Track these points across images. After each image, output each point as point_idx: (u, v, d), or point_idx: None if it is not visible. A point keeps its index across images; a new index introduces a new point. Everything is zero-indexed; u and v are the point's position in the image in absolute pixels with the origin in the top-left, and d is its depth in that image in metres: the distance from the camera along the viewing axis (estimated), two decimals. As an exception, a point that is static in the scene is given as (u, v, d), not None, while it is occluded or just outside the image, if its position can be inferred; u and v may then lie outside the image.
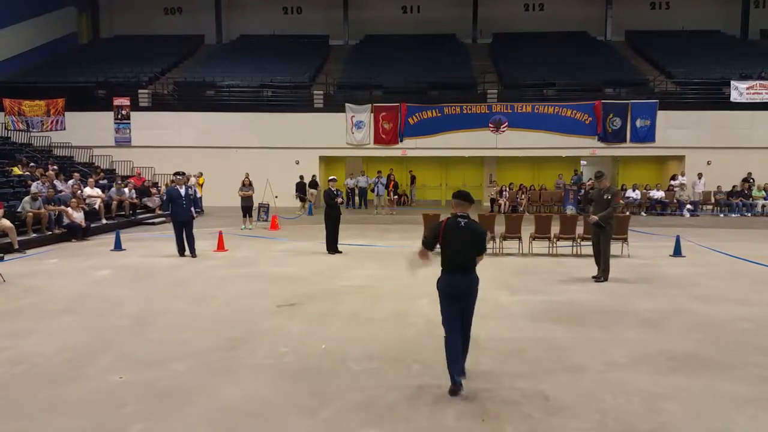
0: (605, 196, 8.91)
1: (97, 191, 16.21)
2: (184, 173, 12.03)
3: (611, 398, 4.41)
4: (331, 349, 5.56)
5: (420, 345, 5.69)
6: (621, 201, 10.53)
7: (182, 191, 11.35)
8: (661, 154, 22.72)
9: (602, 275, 8.85)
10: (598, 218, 8.83)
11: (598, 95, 22.62)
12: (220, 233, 12.37)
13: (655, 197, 20.55)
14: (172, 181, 20.94)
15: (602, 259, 8.88)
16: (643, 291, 8.18)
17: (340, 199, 12.10)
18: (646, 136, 21.80)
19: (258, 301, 7.56)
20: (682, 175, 21.48)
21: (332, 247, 11.61)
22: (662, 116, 21.67)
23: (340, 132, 22.62)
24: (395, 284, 8.58)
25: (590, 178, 24.33)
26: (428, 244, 4.78)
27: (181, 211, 11.23)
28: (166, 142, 22.42)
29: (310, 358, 5.32)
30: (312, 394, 4.52)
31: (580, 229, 11.57)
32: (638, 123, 21.80)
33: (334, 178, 12.44)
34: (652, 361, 5.23)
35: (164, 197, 13.07)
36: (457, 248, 4.62)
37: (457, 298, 4.63)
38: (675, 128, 21.58)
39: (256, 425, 4.02)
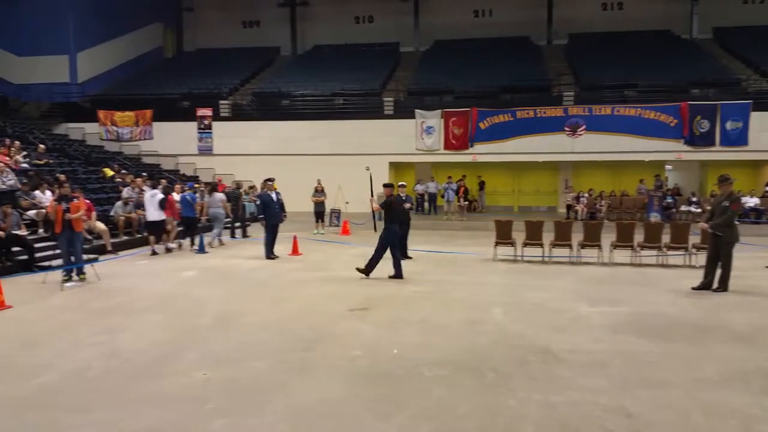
0: (723, 203, 8.37)
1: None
2: (273, 179, 12.60)
3: (703, 418, 4.13)
4: (402, 354, 5.56)
5: (494, 354, 5.58)
6: (739, 209, 9.95)
7: (273, 196, 12.01)
8: (756, 158, 21.06)
9: (721, 285, 8.33)
10: (710, 226, 8.37)
11: (683, 96, 21.34)
12: (295, 237, 12.73)
13: (749, 204, 19.09)
14: (243, 187, 21.85)
15: (722, 269, 8.34)
16: (737, 304, 7.62)
17: (409, 205, 12.12)
18: (738, 139, 20.31)
19: (331, 304, 7.70)
20: (780, 180, 19.88)
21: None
22: (756, 118, 20.10)
23: (410, 138, 22.64)
24: (466, 291, 8.49)
25: (675, 184, 23.13)
26: (386, 206, 9.54)
27: (275, 214, 11.92)
28: (244, 150, 23.36)
29: (382, 362, 5.35)
30: (385, 398, 4.53)
31: (666, 238, 10.95)
32: (729, 125, 20.36)
33: (403, 184, 12.49)
34: (747, 379, 4.85)
35: (257, 203, 13.81)
36: (398, 212, 9.68)
37: (397, 237, 9.67)
38: (771, 130, 20.00)
39: (331, 426, 4.07)
